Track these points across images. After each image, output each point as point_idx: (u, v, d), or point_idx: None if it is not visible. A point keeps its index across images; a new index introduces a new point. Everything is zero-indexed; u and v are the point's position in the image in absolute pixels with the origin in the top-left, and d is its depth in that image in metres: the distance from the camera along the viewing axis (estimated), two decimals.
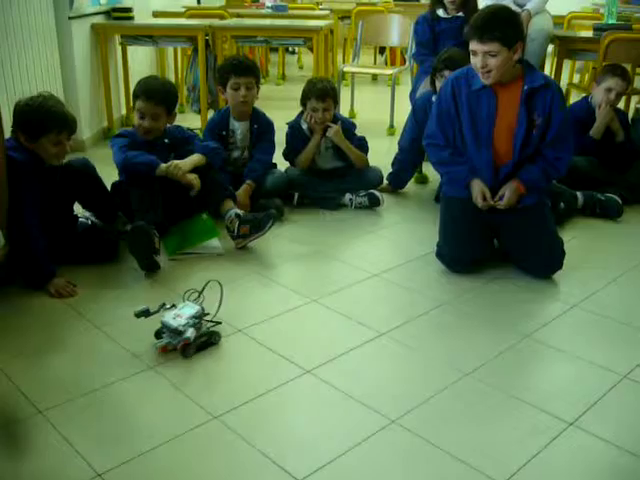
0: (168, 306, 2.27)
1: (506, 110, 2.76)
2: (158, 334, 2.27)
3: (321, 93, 3.55)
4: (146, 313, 2.25)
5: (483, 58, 2.63)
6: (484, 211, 2.84)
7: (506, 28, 2.61)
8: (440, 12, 4.17)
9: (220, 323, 2.34)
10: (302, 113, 3.68)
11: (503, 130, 2.78)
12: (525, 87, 2.73)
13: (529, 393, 2.08)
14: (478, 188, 2.82)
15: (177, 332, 2.19)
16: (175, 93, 3.27)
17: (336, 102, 3.67)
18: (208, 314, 2.30)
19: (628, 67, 4.99)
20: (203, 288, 2.33)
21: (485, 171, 2.83)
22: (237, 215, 3.00)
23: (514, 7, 4.21)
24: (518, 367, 2.24)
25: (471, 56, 2.70)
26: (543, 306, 2.67)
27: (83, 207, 3.10)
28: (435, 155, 2.99)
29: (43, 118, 2.64)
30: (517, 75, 2.75)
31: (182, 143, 3.17)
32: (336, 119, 3.66)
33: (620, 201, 3.53)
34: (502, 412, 2.00)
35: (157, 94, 3.07)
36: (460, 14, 4.12)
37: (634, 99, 4.76)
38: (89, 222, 3.08)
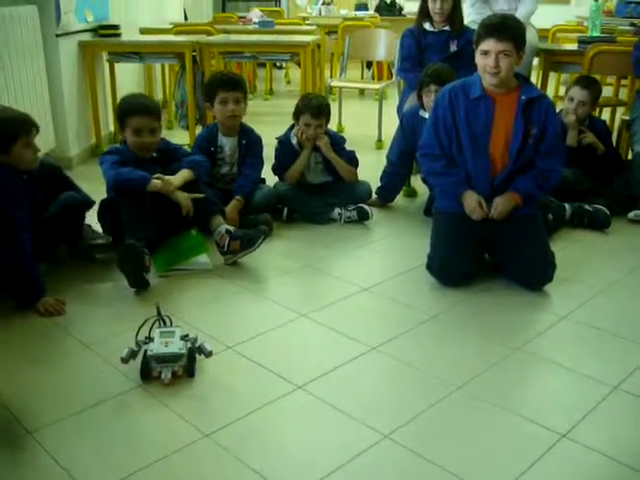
0: (143, 340, 2.20)
1: (503, 119, 2.80)
2: (146, 372, 2.15)
3: (316, 110, 3.57)
4: (133, 355, 2.17)
5: (496, 58, 2.69)
6: (477, 222, 2.85)
7: (518, 31, 2.74)
8: (427, 25, 4.19)
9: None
10: (292, 128, 3.69)
11: (500, 138, 2.81)
12: (523, 97, 2.78)
13: (521, 405, 2.07)
14: (474, 198, 2.84)
15: (175, 357, 2.15)
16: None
17: (329, 119, 3.69)
18: (188, 334, 2.27)
19: (613, 79, 5.06)
20: (159, 312, 2.27)
21: (482, 179, 2.86)
22: (227, 231, 2.99)
23: None
24: (510, 379, 2.24)
25: (480, 58, 2.75)
26: (534, 318, 2.67)
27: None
28: (429, 166, 3.01)
29: (7, 126, 2.61)
30: (514, 86, 2.82)
31: (169, 156, 3.18)
32: (326, 134, 3.67)
33: (608, 212, 3.55)
34: (495, 425, 1.99)
35: (152, 108, 3.10)
36: (446, 27, 4.14)
37: (620, 110, 4.79)
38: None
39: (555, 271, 2.84)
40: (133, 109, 3.06)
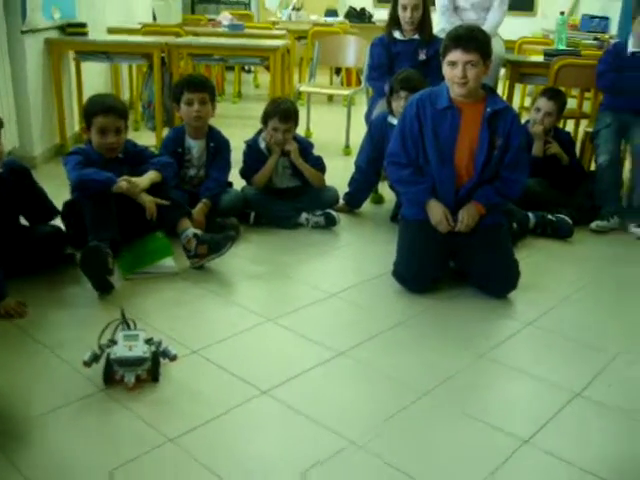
0: (106, 343, 2.16)
1: (468, 129, 2.83)
2: (109, 376, 2.12)
3: (284, 114, 3.57)
4: (96, 358, 2.13)
5: (464, 68, 2.71)
6: (443, 233, 2.88)
7: (484, 42, 2.76)
8: (396, 34, 4.22)
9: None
10: (260, 132, 3.68)
11: (464, 149, 2.84)
12: (488, 109, 2.81)
13: (485, 412, 2.09)
14: (440, 210, 2.86)
15: (139, 361, 2.11)
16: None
17: (297, 124, 3.69)
18: (152, 337, 2.23)
19: (577, 92, 5.15)
20: (123, 315, 2.23)
21: (447, 189, 2.88)
22: (195, 235, 2.97)
23: None
24: (474, 386, 2.26)
25: (448, 68, 2.77)
26: (498, 325, 2.70)
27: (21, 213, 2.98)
28: (395, 174, 3.02)
29: None
30: (480, 97, 2.85)
31: (135, 157, 3.14)
32: (294, 139, 3.67)
33: (571, 222, 3.61)
34: (459, 431, 2.00)
35: (117, 108, 3.06)
36: (416, 36, 4.17)
37: (583, 123, 4.87)
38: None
39: (519, 279, 2.88)
40: (98, 108, 3.02)
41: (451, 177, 2.86)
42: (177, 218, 3.04)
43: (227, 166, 3.58)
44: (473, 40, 2.72)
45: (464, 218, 2.85)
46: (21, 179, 2.85)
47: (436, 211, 2.87)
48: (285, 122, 3.57)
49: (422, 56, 4.15)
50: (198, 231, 3.01)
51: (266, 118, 3.61)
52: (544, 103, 3.88)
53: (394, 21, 4.21)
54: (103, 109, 3.01)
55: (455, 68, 2.73)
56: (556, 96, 3.93)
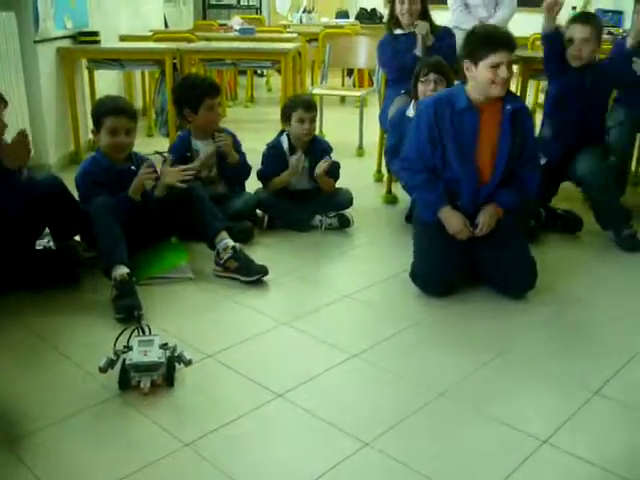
0: (122, 349, 2.17)
1: (488, 129, 2.81)
2: (124, 381, 2.13)
3: (308, 103, 3.61)
4: (112, 364, 2.14)
5: (509, 68, 2.71)
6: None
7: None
8: (397, 31, 4.16)
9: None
10: (281, 133, 3.67)
11: (486, 149, 2.82)
12: (508, 107, 2.79)
13: (502, 411, 2.07)
14: (458, 221, 2.83)
15: (154, 366, 2.12)
16: None
17: (316, 116, 3.70)
18: (167, 342, 2.24)
19: None
20: (138, 321, 2.25)
21: (468, 188, 2.85)
22: (233, 247, 2.96)
23: (477, 23, 4.23)
24: (490, 386, 2.24)
25: (488, 71, 2.69)
26: (515, 325, 2.66)
27: (52, 232, 3.04)
28: (409, 179, 3.02)
29: None
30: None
31: None
32: (316, 140, 3.68)
33: (580, 216, 3.57)
34: (476, 431, 1.99)
35: (128, 109, 3.08)
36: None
37: None
38: (47, 244, 3.03)
39: (537, 277, 2.85)
40: (109, 109, 3.03)
41: (473, 177, 2.83)
42: (218, 228, 3.03)
43: (241, 151, 3.63)
44: (512, 40, 2.73)
45: (484, 223, 2.83)
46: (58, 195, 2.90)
47: (454, 221, 2.83)
48: (309, 111, 3.57)
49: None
50: (238, 245, 3.00)
51: (289, 113, 3.58)
52: (578, 30, 3.46)
53: (393, 19, 4.16)
54: (115, 110, 3.02)
55: (500, 69, 2.68)
56: (590, 19, 3.54)
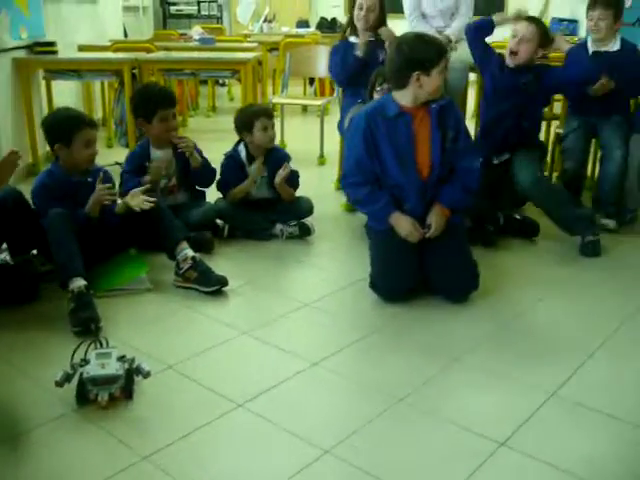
0: (79, 362, 2.15)
1: (422, 131, 2.88)
2: (82, 395, 2.10)
3: (269, 110, 3.66)
4: (69, 378, 2.11)
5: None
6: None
7: None
8: (352, 38, 4.18)
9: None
10: (239, 142, 3.66)
11: (422, 150, 2.88)
12: (434, 105, 2.86)
13: (460, 415, 2.10)
14: (407, 223, 2.86)
15: (112, 378, 2.10)
16: None
17: None
18: (125, 355, 2.22)
19: None
20: (95, 333, 2.24)
21: (414, 192, 2.89)
22: (193, 258, 2.95)
23: (434, 33, 4.29)
24: (448, 390, 2.27)
25: (441, 76, 2.81)
26: (471, 328, 2.69)
27: (10, 246, 2.99)
28: (354, 194, 3.06)
29: None
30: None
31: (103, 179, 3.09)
32: (276, 150, 3.70)
33: (537, 221, 3.62)
34: (435, 436, 2.01)
35: (92, 120, 3.08)
36: (372, 38, 4.09)
37: (554, 124, 4.92)
38: (4, 259, 2.98)
39: (479, 279, 2.89)
40: (82, 121, 3.00)
41: (415, 180, 2.88)
42: (178, 239, 3.01)
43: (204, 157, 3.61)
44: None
45: (435, 223, 2.86)
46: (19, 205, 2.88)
47: (403, 224, 2.86)
48: (271, 118, 3.61)
49: (382, 56, 4.08)
50: (198, 256, 2.98)
51: (250, 122, 3.56)
52: (523, 25, 3.57)
53: (352, 27, 4.18)
54: (88, 122, 3.02)
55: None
56: (538, 22, 3.65)
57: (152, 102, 3.45)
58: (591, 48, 3.96)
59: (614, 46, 3.90)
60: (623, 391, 2.26)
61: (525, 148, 3.66)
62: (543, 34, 3.60)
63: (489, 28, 3.75)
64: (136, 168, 3.41)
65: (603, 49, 3.91)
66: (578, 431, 2.05)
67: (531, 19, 3.64)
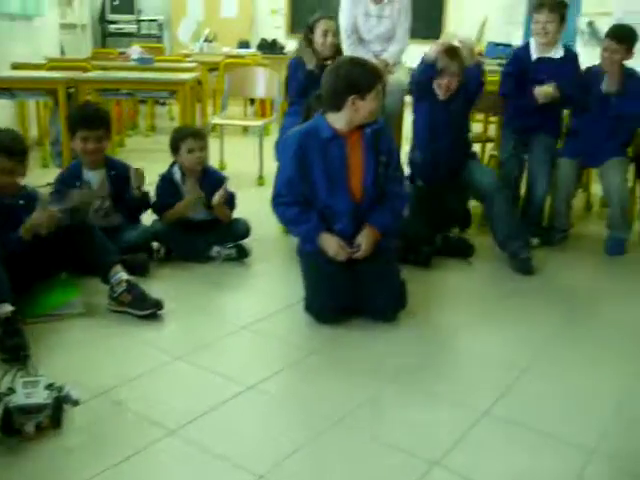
0: (4, 391, 2.08)
1: (355, 154, 2.92)
2: (7, 426, 2.02)
3: (196, 132, 3.63)
4: None
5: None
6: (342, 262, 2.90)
7: None
8: (310, 65, 4.19)
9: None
10: (174, 163, 3.64)
11: (355, 173, 2.92)
12: (367, 130, 2.90)
13: (394, 436, 2.11)
14: (333, 243, 2.89)
15: (39, 407, 2.04)
16: None
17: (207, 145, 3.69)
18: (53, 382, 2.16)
19: (481, 116, 5.32)
20: (25, 361, 2.22)
21: (345, 215, 2.93)
22: (127, 281, 2.90)
23: (371, 57, 4.35)
24: (383, 412, 2.27)
25: (375, 101, 2.85)
26: (407, 349, 2.72)
27: None
28: (283, 214, 3.06)
29: None
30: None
31: (34, 201, 3.01)
32: (208, 171, 3.67)
33: (471, 242, 3.71)
34: (369, 458, 2.02)
35: (8, 147, 2.93)
36: (328, 62, 4.12)
37: (489, 146, 5.03)
38: None
39: (406, 298, 2.93)
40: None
41: (345, 202, 2.92)
42: (111, 262, 2.95)
43: None
44: None
45: (364, 245, 2.90)
46: None
47: (330, 243, 2.89)
48: (199, 140, 3.56)
49: None
50: (132, 279, 2.93)
51: (177, 144, 3.55)
52: (448, 63, 3.59)
53: (310, 51, 4.22)
54: (3, 149, 2.89)
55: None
56: (456, 54, 3.62)
57: (73, 122, 3.44)
58: (534, 54, 3.96)
59: (557, 53, 3.92)
60: (553, 407, 2.32)
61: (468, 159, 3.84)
62: (462, 65, 3.63)
63: (431, 68, 3.63)
64: (66, 189, 3.33)
65: (547, 55, 3.92)
66: (511, 448, 2.09)
67: (453, 53, 3.62)
